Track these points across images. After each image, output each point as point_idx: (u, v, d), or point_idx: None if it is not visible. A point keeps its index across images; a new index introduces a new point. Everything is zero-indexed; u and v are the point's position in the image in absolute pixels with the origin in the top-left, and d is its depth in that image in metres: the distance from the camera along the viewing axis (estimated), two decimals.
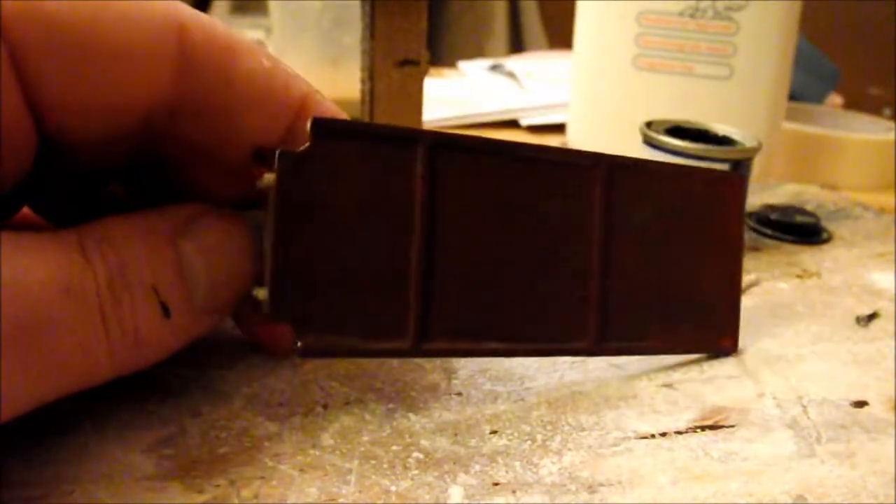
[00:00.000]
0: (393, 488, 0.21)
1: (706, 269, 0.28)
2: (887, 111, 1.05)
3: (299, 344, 0.21)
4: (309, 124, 0.21)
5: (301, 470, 0.21)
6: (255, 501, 0.20)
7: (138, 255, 0.20)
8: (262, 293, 0.21)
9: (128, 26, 0.19)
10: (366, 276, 0.22)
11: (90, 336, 0.19)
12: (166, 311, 0.21)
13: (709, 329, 0.28)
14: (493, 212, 0.24)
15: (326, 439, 0.23)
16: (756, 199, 0.45)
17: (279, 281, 0.21)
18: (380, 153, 0.22)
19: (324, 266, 0.22)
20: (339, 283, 0.22)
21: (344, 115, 0.24)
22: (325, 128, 0.21)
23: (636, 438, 0.24)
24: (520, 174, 0.24)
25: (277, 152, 0.21)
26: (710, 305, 0.28)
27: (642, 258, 0.26)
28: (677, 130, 0.39)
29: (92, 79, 0.19)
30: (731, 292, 0.28)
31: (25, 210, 0.24)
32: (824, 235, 0.42)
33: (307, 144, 0.21)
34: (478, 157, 0.24)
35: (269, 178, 0.21)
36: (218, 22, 0.22)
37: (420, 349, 0.23)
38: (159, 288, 0.20)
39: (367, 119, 0.39)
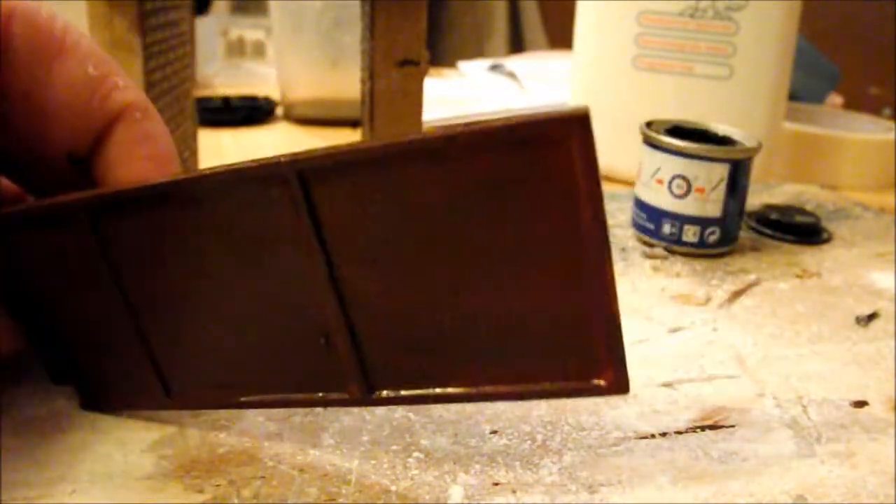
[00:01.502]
0: (393, 488, 0.21)
1: (539, 286, 0.18)
2: (887, 111, 1.05)
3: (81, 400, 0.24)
4: None
5: (301, 470, 0.21)
6: (255, 501, 0.20)
7: None
8: None
9: None
10: (94, 342, 0.23)
11: None
12: None
13: (564, 363, 0.19)
14: (176, 267, 0.21)
15: (326, 439, 0.23)
16: (756, 199, 0.45)
17: (44, 357, 0.24)
18: (45, 231, 0.22)
19: (60, 338, 0.23)
20: (77, 352, 0.23)
21: (166, 135, 0.23)
22: None
23: (636, 438, 0.24)
24: (189, 217, 0.20)
25: None
26: (560, 329, 0.18)
27: (408, 282, 0.19)
28: (677, 130, 0.39)
29: None
30: (600, 306, 0.18)
31: None
32: (824, 235, 0.42)
33: None
34: (138, 212, 0.21)
35: None
36: (61, 20, 0.21)
37: (171, 403, 0.23)
38: None
39: (366, 118, 0.39)
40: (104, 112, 0.22)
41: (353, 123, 0.61)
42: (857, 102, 0.75)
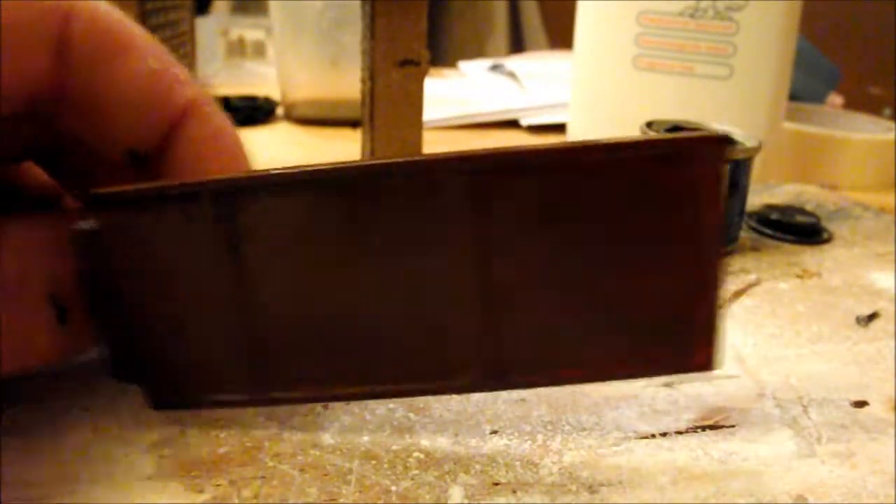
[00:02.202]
0: (393, 488, 0.21)
1: (658, 274, 0.21)
2: (887, 111, 1.05)
3: (150, 400, 0.23)
4: (83, 201, 0.21)
5: (301, 470, 0.21)
6: (255, 501, 0.20)
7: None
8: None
9: (7, 6, 0.19)
10: (197, 332, 0.22)
11: None
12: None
13: (672, 345, 0.22)
14: (319, 247, 0.21)
15: (326, 439, 0.23)
16: (756, 199, 0.45)
17: (113, 354, 0.22)
18: (167, 212, 0.21)
19: (153, 329, 0.22)
20: (172, 344, 0.22)
21: (234, 129, 0.23)
22: (102, 200, 0.21)
23: (636, 438, 0.24)
24: (341, 204, 0.20)
25: (69, 233, 0.21)
26: (671, 316, 0.21)
27: (545, 271, 0.21)
28: (677, 130, 0.39)
29: None
30: (705, 297, 0.21)
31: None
32: (824, 235, 0.42)
33: (91, 222, 0.21)
34: (284, 194, 0.20)
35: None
36: (118, 15, 0.21)
37: (262, 398, 0.22)
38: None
39: (367, 119, 0.39)
40: (169, 107, 0.21)
41: (354, 123, 0.61)
42: (857, 102, 0.75)
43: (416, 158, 0.21)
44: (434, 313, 0.21)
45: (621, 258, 0.21)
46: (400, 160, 0.20)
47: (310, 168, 0.20)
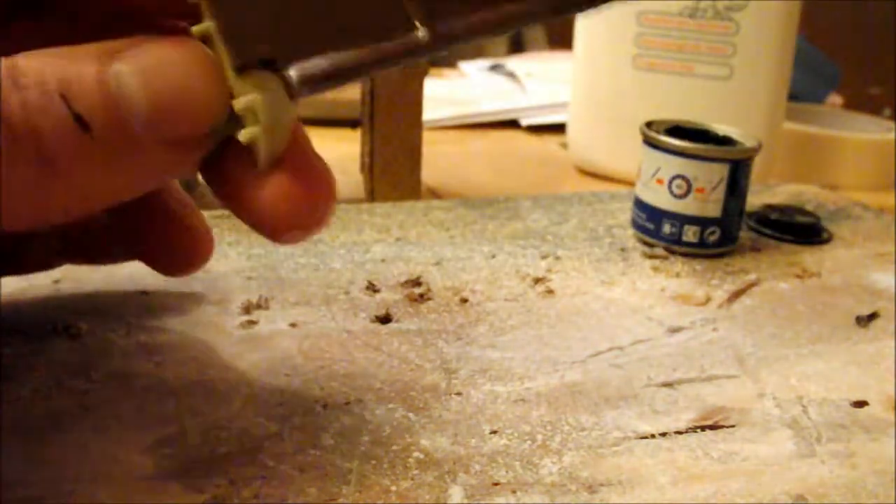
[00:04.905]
0: (393, 488, 0.21)
1: None
2: (887, 111, 1.05)
3: (292, 74, 0.18)
4: None
5: (301, 470, 0.21)
6: (255, 501, 0.20)
7: (41, 64, 0.17)
8: (245, 133, 0.18)
9: None
10: None
11: None
12: (83, 125, 0.17)
13: None
14: None
15: (326, 439, 0.23)
16: (756, 199, 0.45)
17: (231, 13, 0.18)
18: None
19: None
20: None
21: None
22: None
23: (636, 438, 0.24)
24: None
25: None
26: None
27: None
28: (677, 130, 0.39)
29: None
30: None
31: None
32: (824, 235, 0.42)
33: None
34: None
35: None
36: None
37: (438, 35, 0.18)
38: (70, 96, 0.17)
39: (367, 119, 0.39)
40: None
41: (353, 123, 0.61)
42: (857, 102, 0.75)
43: None
44: None
45: None
46: None
47: None
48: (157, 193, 0.24)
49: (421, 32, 0.18)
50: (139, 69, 0.17)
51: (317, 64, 0.18)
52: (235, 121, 0.18)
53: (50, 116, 0.17)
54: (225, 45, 0.18)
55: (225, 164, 0.20)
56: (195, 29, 0.18)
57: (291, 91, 0.18)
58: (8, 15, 0.21)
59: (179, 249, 0.25)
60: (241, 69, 0.18)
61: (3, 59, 0.17)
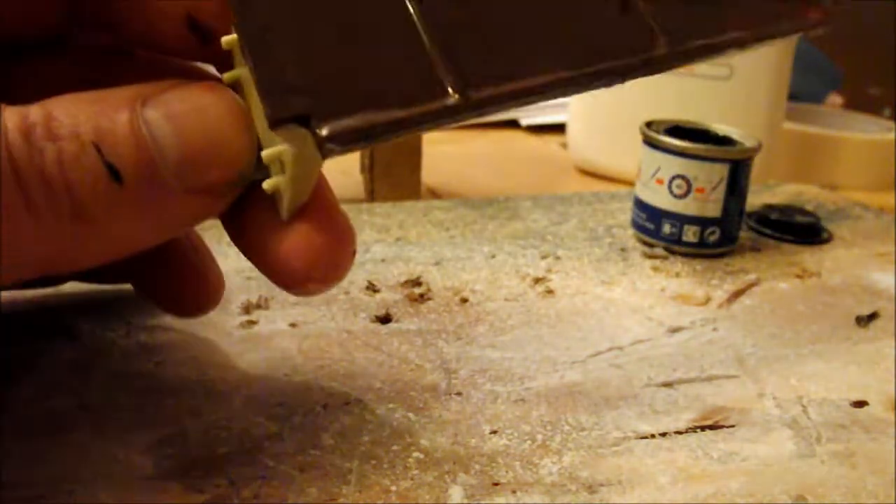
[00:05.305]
0: (393, 488, 0.21)
1: None
2: (887, 111, 1.05)
3: (324, 132, 0.18)
4: None
5: (301, 470, 0.21)
6: (255, 501, 0.20)
7: (75, 112, 0.17)
8: (270, 182, 0.18)
9: None
10: (368, 39, 0.19)
11: None
12: (115, 175, 0.17)
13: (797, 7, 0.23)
14: None
15: (326, 439, 0.23)
16: (756, 199, 0.45)
17: (267, 66, 0.18)
18: None
19: (317, 39, 0.18)
20: (342, 55, 0.19)
21: None
22: None
23: (636, 438, 0.24)
24: None
25: None
26: None
27: None
28: (677, 130, 0.39)
29: None
30: None
31: None
32: (824, 235, 0.42)
33: None
34: None
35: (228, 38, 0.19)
36: None
37: (470, 101, 0.19)
38: (104, 146, 0.17)
39: None
40: None
41: None
42: (857, 102, 0.75)
43: None
44: None
45: None
46: None
47: None
48: (173, 238, 0.24)
49: (452, 100, 0.19)
50: (171, 115, 0.17)
51: (348, 123, 0.18)
52: (261, 169, 0.19)
53: (84, 169, 0.17)
54: (261, 98, 0.18)
55: (245, 212, 0.20)
56: (227, 76, 0.19)
57: (322, 148, 0.18)
58: (32, 51, 0.21)
59: (189, 294, 0.25)
60: (276, 124, 0.18)
61: (37, 107, 0.17)
